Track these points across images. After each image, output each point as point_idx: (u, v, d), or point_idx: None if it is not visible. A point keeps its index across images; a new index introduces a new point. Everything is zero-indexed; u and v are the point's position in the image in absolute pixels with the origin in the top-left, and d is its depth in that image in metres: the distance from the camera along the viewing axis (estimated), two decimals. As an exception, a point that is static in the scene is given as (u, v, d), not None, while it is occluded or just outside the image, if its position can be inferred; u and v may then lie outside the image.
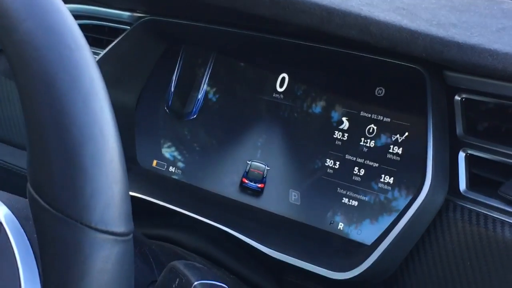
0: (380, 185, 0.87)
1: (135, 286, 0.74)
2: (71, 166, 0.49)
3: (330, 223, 0.90)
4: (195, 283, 0.65)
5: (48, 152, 0.49)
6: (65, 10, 0.54)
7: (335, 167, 0.91)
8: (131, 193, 0.96)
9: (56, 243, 0.50)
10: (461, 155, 0.79)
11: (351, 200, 0.89)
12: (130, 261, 0.52)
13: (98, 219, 0.49)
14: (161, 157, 1.07)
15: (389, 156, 0.87)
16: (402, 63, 0.82)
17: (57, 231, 0.49)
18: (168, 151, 1.07)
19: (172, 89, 1.08)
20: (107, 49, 1.05)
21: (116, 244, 0.50)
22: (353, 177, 0.89)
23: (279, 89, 0.97)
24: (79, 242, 0.49)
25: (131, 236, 0.52)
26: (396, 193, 0.86)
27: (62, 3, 0.54)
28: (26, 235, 0.60)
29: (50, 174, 0.49)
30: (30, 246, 0.60)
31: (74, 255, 0.49)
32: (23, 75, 0.51)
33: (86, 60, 0.52)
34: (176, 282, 0.68)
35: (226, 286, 0.66)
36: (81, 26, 1.17)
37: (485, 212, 0.76)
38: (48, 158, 0.49)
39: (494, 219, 0.75)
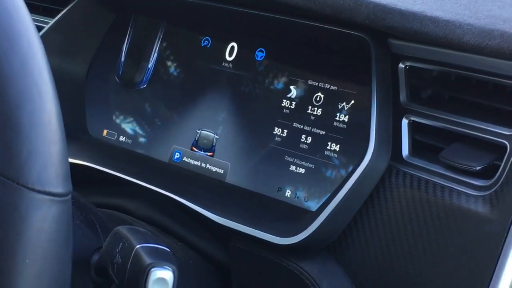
0: (327, 152, 0.88)
1: (80, 253, 0.75)
2: (8, 127, 0.49)
3: (278, 190, 0.91)
4: (137, 246, 0.65)
5: None
6: None
7: (283, 135, 0.92)
8: (81, 162, 0.96)
9: None
10: (404, 122, 0.80)
11: (298, 168, 0.90)
12: (68, 221, 0.53)
13: (35, 179, 0.50)
14: (111, 127, 1.07)
15: (335, 124, 0.88)
16: (347, 31, 0.82)
17: None
18: (118, 121, 1.06)
19: (123, 59, 1.07)
20: (56, 18, 1.05)
21: (53, 204, 0.51)
22: (301, 145, 0.90)
23: (228, 58, 0.98)
24: (16, 202, 0.49)
25: (69, 196, 0.53)
26: (342, 160, 0.87)
27: None
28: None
29: None
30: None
31: (11, 215, 0.49)
32: None
33: (24, 23, 0.52)
34: (120, 247, 0.68)
35: (168, 249, 0.67)
36: (31, -5, 1.16)
37: (426, 177, 0.77)
38: None
39: (434, 183, 0.76)
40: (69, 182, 0.53)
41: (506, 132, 0.72)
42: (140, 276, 0.64)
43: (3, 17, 0.51)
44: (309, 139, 0.90)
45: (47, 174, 0.50)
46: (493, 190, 0.72)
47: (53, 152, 0.51)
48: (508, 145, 0.72)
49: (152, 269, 0.63)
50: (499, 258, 0.69)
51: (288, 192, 0.90)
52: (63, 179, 0.52)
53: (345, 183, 0.78)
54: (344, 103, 0.88)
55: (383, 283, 0.79)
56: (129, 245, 0.66)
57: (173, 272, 0.64)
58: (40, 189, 0.50)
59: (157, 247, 0.66)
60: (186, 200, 0.88)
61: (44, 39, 1.03)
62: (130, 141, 1.05)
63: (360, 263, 0.81)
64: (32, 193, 0.49)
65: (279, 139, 0.92)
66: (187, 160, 0.99)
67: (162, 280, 0.64)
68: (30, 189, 0.49)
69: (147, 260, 0.64)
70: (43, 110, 0.50)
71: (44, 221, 0.50)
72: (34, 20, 1.13)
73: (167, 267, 0.64)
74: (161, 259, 0.65)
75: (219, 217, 0.85)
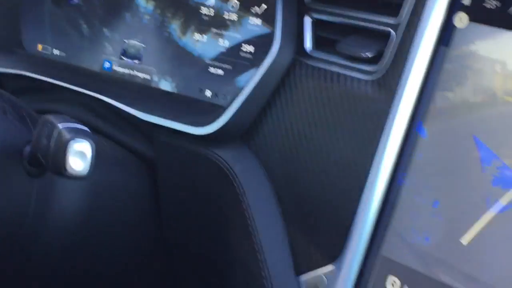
0: (242, 54, 0.95)
1: (13, 146, 0.80)
2: None
3: (199, 91, 0.98)
4: (59, 125, 0.72)
5: None
6: None
7: (203, 40, 0.99)
8: (17, 71, 1.03)
9: None
10: (307, 19, 0.88)
11: (217, 69, 0.97)
12: None
13: None
14: (46, 41, 1.13)
15: (249, 27, 0.95)
16: None
17: None
18: (51, 35, 1.13)
19: (56, -25, 1.13)
20: None
21: None
22: (219, 49, 0.97)
23: (151, -29, 1.04)
24: None
25: None
26: (256, 59, 0.94)
27: None
28: None
29: None
30: None
31: None
32: None
33: None
34: (46, 132, 0.75)
35: (87, 129, 0.74)
36: None
37: (326, 67, 0.85)
38: None
39: (332, 72, 0.84)
40: None
41: (390, 21, 0.80)
42: (61, 151, 0.71)
43: None
44: (226, 43, 0.97)
45: None
46: (380, 74, 0.80)
47: None
48: (392, 33, 0.80)
49: (71, 143, 0.71)
50: (383, 131, 0.78)
51: (208, 92, 0.98)
52: None
53: (253, 77, 0.86)
54: (256, 7, 0.95)
55: (288, 162, 0.87)
56: (52, 126, 0.73)
57: (91, 145, 0.72)
58: None
59: (77, 127, 0.73)
60: (114, 100, 0.95)
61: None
62: (64, 54, 1.11)
63: (269, 148, 0.89)
64: None
65: (200, 44, 0.99)
66: (116, 68, 1.06)
67: (81, 153, 0.71)
68: None
69: (67, 136, 0.71)
70: None
71: None
72: None
73: (86, 141, 0.71)
74: (80, 135, 0.72)
75: (144, 113, 0.93)
